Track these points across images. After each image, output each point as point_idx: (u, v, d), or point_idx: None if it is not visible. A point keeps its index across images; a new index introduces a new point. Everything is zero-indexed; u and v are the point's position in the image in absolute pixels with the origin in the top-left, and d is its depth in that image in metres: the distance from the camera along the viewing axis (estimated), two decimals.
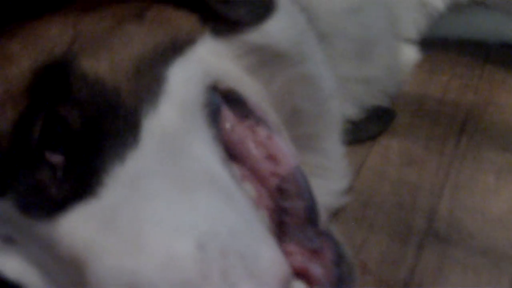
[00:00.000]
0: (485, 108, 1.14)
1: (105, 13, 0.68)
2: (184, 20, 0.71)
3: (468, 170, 1.00)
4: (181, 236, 0.56)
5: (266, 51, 0.75)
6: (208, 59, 0.70)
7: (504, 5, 1.27)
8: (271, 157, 0.69)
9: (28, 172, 0.60)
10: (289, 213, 0.66)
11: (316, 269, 0.64)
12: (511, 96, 1.17)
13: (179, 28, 0.70)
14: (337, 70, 0.94)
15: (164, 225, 0.57)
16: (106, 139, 0.61)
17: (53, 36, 0.65)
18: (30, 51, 0.64)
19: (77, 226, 0.58)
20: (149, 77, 0.64)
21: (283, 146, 0.70)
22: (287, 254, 0.63)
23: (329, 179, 0.87)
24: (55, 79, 0.62)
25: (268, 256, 0.57)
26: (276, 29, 0.75)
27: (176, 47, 0.68)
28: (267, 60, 0.76)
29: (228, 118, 0.69)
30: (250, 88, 0.74)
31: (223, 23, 0.72)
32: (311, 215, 0.67)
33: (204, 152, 0.64)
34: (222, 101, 0.69)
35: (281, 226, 0.66)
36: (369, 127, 1.09)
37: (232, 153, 0.68)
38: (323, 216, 0.68)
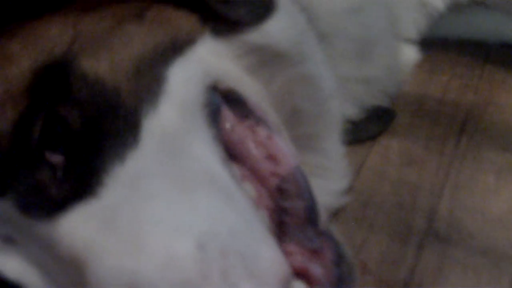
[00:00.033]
0: (485, 108, 1.14)
1: (105, 13, 0.68)
2: (184, 20, 0.71)
3: (468, 170, 1.00)
4: (181, 236, 0.56)
5: (266, 51, 0.75)
6: (208, 59, 0.70)
7: (504, 5, 1.27)
8: (271, 157, 0.69)
9: (28, 172, 0.60)
10: (289, 213, 0.66)
11: (316, 269, 0.64)
12: (511, 96, 1.17)
13: (179, 28, 0.70)
14: (337, 70, 0.94)
15: (164, 225, 0.57)
16: (106, 139, 0.60)
17: (53, 36, 0.65)
18: (30, 51, 0.64)
19: (77, 226, 0.58)
20: (149, 77, 0.64)
21: (283, 146, 0.70)
22: (287, 254, 0.63)
23: (329, 179, 0.87)
24: (55, 79, 0.62)
25: (268, 256, 0.57)
26: (276, 29, 0.75)
27: (176, 47, 0.68)
28: (267, 60, 0.76)
29: (228, 118, 0.69)
30: (250, 88, 0.74)
31: (223, 23, 0.72)
32: (311, 215, 0.67)
33: (204, 152, 0.64)
34: (222, 101, 0.69)
35: (281, 226, 0.66)
36: (369, 127, 1.09)
37: (232, 153, 0.68)
38: (323, 216, 0.68)
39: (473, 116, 1.12)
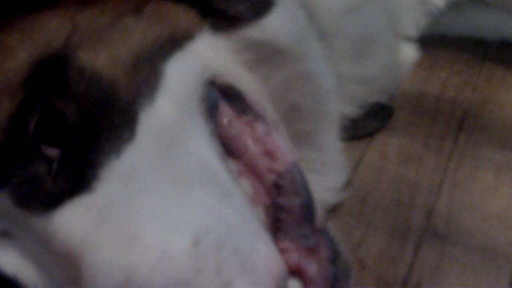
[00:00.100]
0: (484, 106, 1.14)
1: (104, 7, 0.67)
2: (182, 15, 0.70)
3: (467, 167, 0.99)
4: (176, 231, 0.56)
5: (265, 47, 0.75)
6: (206, 54, 0.70)
7: (503, 3, 1.26)
8: (269, 153, 0.68)
9: (24, 166, 0.60)
10: (285, 210, 0.66)
11: (311, 267, 0.63)
12: (509, 93, 1.17)
13: (177, 23, 0.69)
14: (336, 68, 0.93)
15: (159, 220, 0.56)
16: (103, 133, 0.60)
17: (51, 29, 0.65)
18: (28, 44, 0.64)
19: (73, 220, 0.58)
20: (146, 71, 0.64)
21: (281, 142, 0.70)
22: (282, 251, 0.62)
23: (327, 176, 0.87)
24: (52, 73, 0.62)
25: (264, 253, 0.57)
26: (276, 24, 0.75)
27: (174, 42, 0.67)
28: (266, 56, 0.75)
29: (226, 113, 0.69)
30: (249, 83, 0.74)
31: (222, 19, 0.72)
32: (307, 212, 0.66)
33: (201, 147, 0.63)
34: (220, 96, 0.69)
35: (277, 223, 0.66)
36: (367, 123, 1.08)
37: (229, 149, 0.67)
38: (320, 213, 0.68)
39: (472, 113, 1.12)
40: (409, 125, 1.10)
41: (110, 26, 0.66)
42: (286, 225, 0.65)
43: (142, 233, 0.56)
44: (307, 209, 0.66)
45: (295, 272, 0.63)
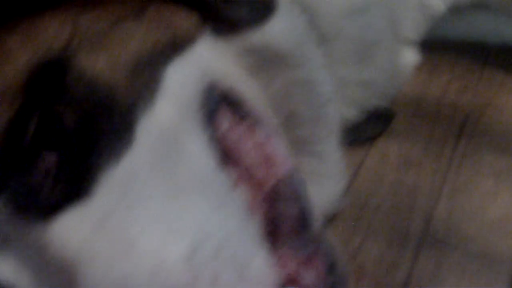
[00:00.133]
0: (484, 110, 1.14)
1: (104, 10, 0.67)
2: (183, 19, 0.70)
3: (467, 173, 0.99)
4: (172, 240, 0.56)
5: (265, 52, 0.74)
6: (207, 59, 0.70)
7: (505, 6, 1.26)
8: (267, 160, 0.68)
9: (22, 172, 0.59)
10: (282, 218, 0.65)
11: (308, 277, 0.63)
12: (510, 98, 1.17)
13: (178, 27, 0.69)
14: (337, 72, 0.93)
15: (156, 229, 0.56)
16: (101, 139, 0.60)
17: (51, 33, 0.64)
18: (28, 47, 0.63)
19: (70, 228, 0.58)
20: (146, 76, 0.64)
21: (280, 149, 0.69)
22: (279, 260, 0.62)
23: (326, 183, 0.86)
24: (52, 76, 0.61)
25: (260, 263, 0.57)
26: (277, 29, 0.75)
27: (174, 47, 0.67)
28: (266, 61, 0.75)
29: (225, 119, 0.68)
30: (249, 89, 0.74)
31: (224, 23, 0.72)
32: (305, 220, 0.66)
33: (199, 153, 0.63)
34: (220, 101, 0.69)
35: (275, 231, 0.65)
36: (368, 127, 1.08)
37: (228, 155, 0.67)
38: (318, 221, 0.68)
39: (472, 118, 1.12)
40: (410, 129, 1.10)
41: (110, 30, 0.65)
42: (284, 234, 0.65)
43: (138, 241, 0.55)
44: (305, 217, 0.66)
45: (291, 281, 0.62)
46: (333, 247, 0.66)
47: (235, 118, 0.69)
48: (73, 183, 0.59)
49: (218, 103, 0.68)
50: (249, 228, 0.61)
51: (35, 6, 0.66)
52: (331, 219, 0.91)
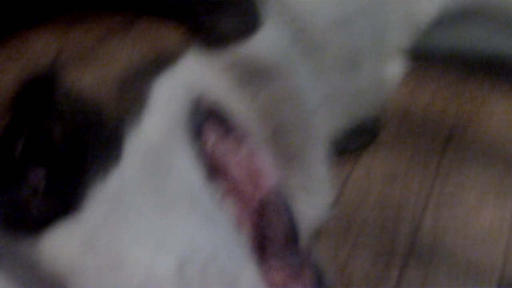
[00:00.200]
0: (470, 122, 1.14)
1: (91, 26, 0.67)
2: (171, 33, 0.70)
3: (452, 185, 1.00)
4: (161, 255, 0.56)
5: (252, 65, 0.74)
6: (193, 73, 0.70)
7: (495, 16, 1.26)
8: (253, 174, 0.68)
9: (10, 188, 0.59)
10: (269, 233, 0.66)
11: None
12: (496, 109, 1.17)
13: (165, 42, 0.69)
14: (325, 83, 0.93)
15: (144, 244, 0.56)
16: (89, 155, 0.60)
17: (39, 49, 0.64)
18: (15, 63, 0.63)
19: (60, 243, 0.58)
20: (134, 91, 0.64)
21: (266, 163, 0.70)
22: (267, 273, 0.62)
23: (313, 196, 0.86)
24: (39, 93, 0.61)
25: (248, 276, 0.57)
26: (263, 42, 0.74)
27: (162, 61, 0.67)
28: (253, 74, 0.75)
29: (212, 133, 0.69)
30: (235, 102, 0.74)
31: (211, 37, 0.72)
32: (292, 233, 0.67)
33: (187, 168, 0.63)
34: (207, 115, 0.69)
35: (263, 245, 0.66)
36: (356, 138, 1.08)
37: (216, 169, 0.67)
38: (305, 234, 0.68)
39: (458, 130, 1.12)
40: (396, 142, 1.10)
41: (97, 46, 0.65)
42: (270, 248, 0.65)
43: (127, 255, 0.56)
44: (291, 231, 0.66)
45: None
46: (321, 260, 0.67)
47: (222, 132, 0.70)
48: (62, 198, 0.59)
49: (205, 117, 0.68)
50: (237, 242, 0.61)
51: (22, 23, 0.65)
52: (319, 231, 0.91)
